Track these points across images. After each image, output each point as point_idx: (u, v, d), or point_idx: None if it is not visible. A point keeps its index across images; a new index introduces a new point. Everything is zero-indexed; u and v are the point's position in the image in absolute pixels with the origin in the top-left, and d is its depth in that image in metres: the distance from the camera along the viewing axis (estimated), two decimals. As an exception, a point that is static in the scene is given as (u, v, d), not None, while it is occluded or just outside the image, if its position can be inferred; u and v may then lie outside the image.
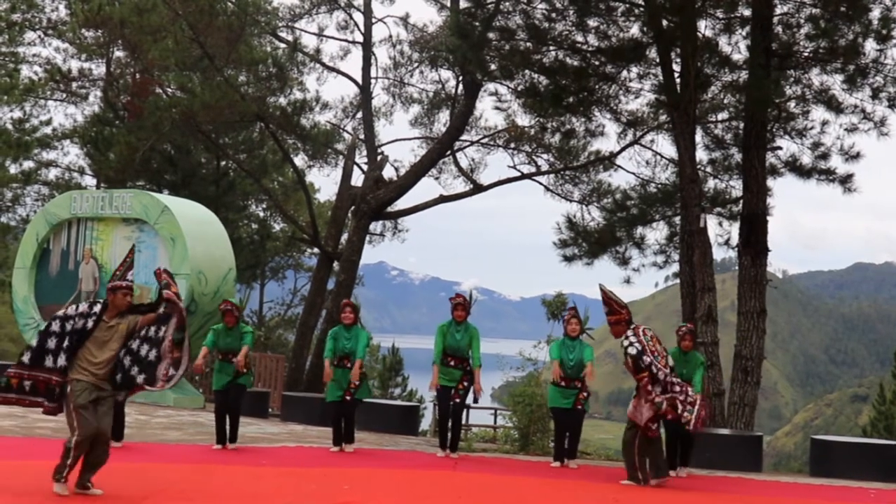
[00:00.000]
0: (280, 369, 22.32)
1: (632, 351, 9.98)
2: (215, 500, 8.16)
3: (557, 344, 11.92)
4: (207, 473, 9.67)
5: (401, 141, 29.07)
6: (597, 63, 19.19)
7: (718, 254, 26.41)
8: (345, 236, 28.09)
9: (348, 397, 11.98)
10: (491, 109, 41.63)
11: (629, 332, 10.18)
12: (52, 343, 7.99)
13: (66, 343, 7.96)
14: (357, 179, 27.67)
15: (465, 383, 12.00)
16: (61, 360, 7.93)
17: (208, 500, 8.16)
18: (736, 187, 20.55)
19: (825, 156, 19.36)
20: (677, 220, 20.31)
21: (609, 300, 10.40)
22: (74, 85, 35.17)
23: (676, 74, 17.49)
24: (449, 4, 25.25)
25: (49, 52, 43.17)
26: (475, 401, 13.16)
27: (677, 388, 9.88)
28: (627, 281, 23.39)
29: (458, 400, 12.10)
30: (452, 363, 11.96)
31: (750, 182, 17.19)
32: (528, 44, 18.89)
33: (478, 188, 27.20)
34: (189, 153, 32.82)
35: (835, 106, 18.56)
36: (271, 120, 27.04)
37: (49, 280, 20.07)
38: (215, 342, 11.81)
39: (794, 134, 19.47)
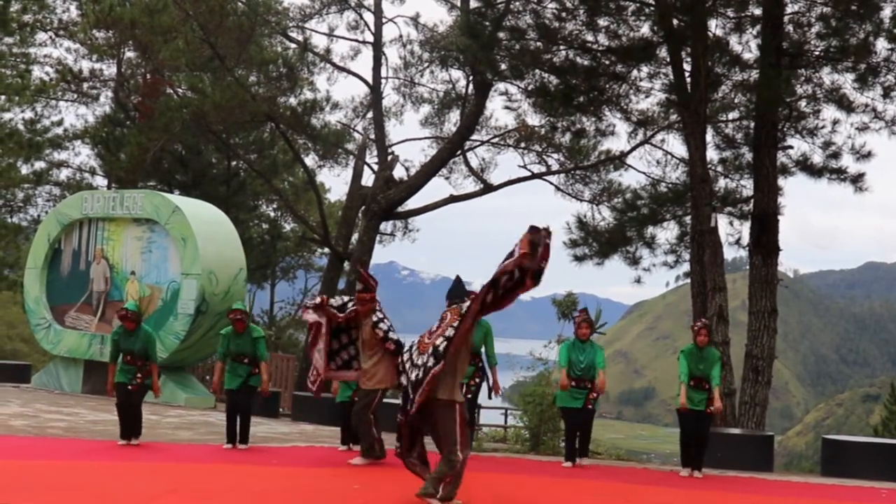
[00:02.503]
0: (291, 369, 22.34)
1: (383, 326, 10.57)
2: (225, 499, 8.18)
3: (567, 346, 11.90)
4: (218, 473, 9.70)
5: (411, 141, 29.06)
6: (607, 62, 19.17)
7: (729, 253, 26.37)
8: (355, 236, 28.09)
9: (356, 398, 12.00)
10: (501, 109, 41.60)
11: (378, 311, 10.66)
12: None
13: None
14: (367, 179, 27.69)
15: (477, 380, 11.97)
16: None
17: (218, 499, 8.17)
18: (747, 186, 20.51)
19: (836, 155, 19.32)
20: (688, 219, 20.27)
21: (367, 278, 10.74)
22: (85, 85, 35.23)
23: (687, 74, 17.47)
24: (459, 4, 25.22)
25: (60, 53, 43.26)
26: (490, 397, 13.02)
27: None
28: (638, 280, 23.34)
29: (469, 396, 12.07)
30: None
31: (761, 181, 17.16)
32: (539, 43, 18.89)
33: (488, 188, 27.18)
34: (200, 153, 32.89)
35: (846, 105, 18.52)
36: (282, 120, 27.06)
37: (60, 280, 20.14)
38: (227, 348, 11.84)
39: (804, 133, 19.43)
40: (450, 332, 8.07)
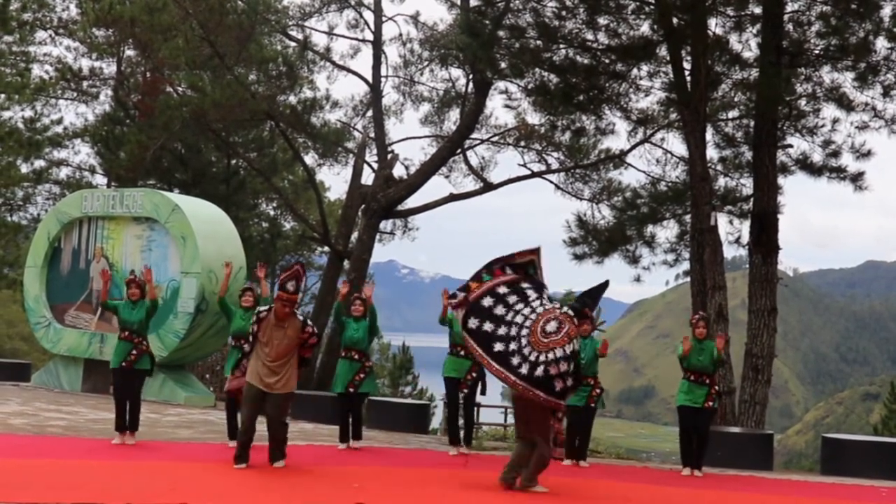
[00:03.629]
0: (290, 367, 22.29)
1: (309, 321, 10.46)
2: (225, 499, 8.17)
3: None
4: (218, 472, 9.69)
5: (411, 139, 29.09)
6: (607, 61, 19.19)
7: (729, 252, 26.37)
8: (355, 235, 28.10)
9: (352, 389, 12.02)
10: (501, 108, 41.69)
11: (298, 313, 10.58)
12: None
13: None
14: (367, 178, 27.70)
15: (474, 374, 11.97)
16: None
17: (218, 499, 8.17)
18: (746, 185, 20.53)
19: (836, 154, 19.34)
20: (688, 218, 20.27)
21: (300, 277, 10.55)
22: (85, 84, 35.22)
23: (687, 72, 17.48)
24: (459, 3, 25.22)
25: (60, 52, 43.01)
26: (483, 393, 12.90)
27: None
28: (638, 279, 23.33)
29: (465, 390, 12.11)
30: (462, 353, 11.88)
31: (760, 180, 17.17)
32: (539, 42, 18.90)
33: (488, 186, 27.18)
34: (199, 152, 32.87)
35: (846, 104, 18.53)
36: (281, 118, 27.06)
37: (60, 279, 20.11)
38: (232, 318, 11.80)
39: (804, 132, 19.44)
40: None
